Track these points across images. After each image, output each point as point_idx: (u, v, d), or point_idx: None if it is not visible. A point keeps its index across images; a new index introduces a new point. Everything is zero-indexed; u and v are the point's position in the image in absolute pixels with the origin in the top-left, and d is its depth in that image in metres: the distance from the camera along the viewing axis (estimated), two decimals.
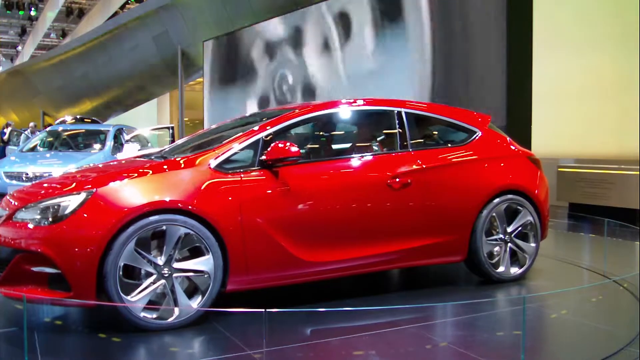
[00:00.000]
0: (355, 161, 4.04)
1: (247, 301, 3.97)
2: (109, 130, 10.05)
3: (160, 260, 3.32)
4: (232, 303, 3.84)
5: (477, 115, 4.70)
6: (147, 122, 21.30)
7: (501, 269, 4.39)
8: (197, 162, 3.57)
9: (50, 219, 3.25)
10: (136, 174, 3.46)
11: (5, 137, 13.82)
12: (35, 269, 3.22)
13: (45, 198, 3.34)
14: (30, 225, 3.27)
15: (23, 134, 13.95)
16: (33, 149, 9.86)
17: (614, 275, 4.64)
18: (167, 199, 3.33)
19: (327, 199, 3.81)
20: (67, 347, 3.27)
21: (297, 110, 4.05)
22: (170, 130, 10.53)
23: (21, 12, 29.29)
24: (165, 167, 3.56)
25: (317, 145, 4.50)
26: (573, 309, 3.99)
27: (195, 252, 3.43)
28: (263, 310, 2.87)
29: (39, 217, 3.28)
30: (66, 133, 10.56)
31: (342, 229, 3.87)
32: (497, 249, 4.38)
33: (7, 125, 14.65)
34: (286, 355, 3.01)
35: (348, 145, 4.54)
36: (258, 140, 3.74)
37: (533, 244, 4.52)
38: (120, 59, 20.12)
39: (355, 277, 4.52)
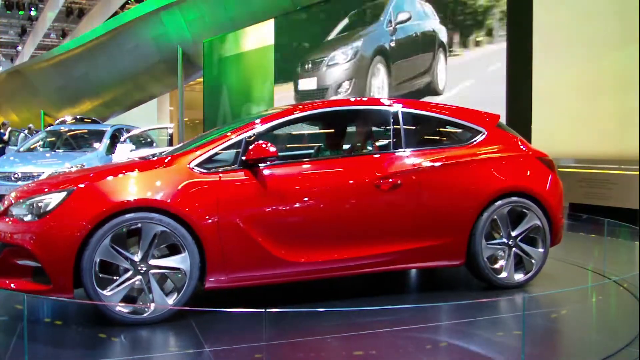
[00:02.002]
0: (342, 161, 4.02)
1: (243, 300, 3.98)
2: (106, 130, 10.03)
3: (137, 257, 3.41)
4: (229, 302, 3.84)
5: (484, 115, 4.55)
6: (147, 122, 21.28)
7: (504, 274, 4.19)
8: (177, 161, 3.65)
9: (34, 215, 3.41)
10: (116, 174, 3.60)
11: (5, 137, 13.81)
12: (20, 262, 3.39)
13: (33, 195, 3.51)
14: (18, 221, 3.45)
15: (21, 134, 13.95)
16: (31, 149, 9.86)
17: (614, 275, 4.64)
18: (141, 198, 3.43)
19: (309, 199, 3.78)
20: (37, 337, 3.35)
21: (284, 111, 4.06)
22: (169, 130, 10.51)
23: (21, 12, 29.28)
24: (146, 167, 3.67)
25: (303, 146, 4.49)
26: (573, 309, 3.99)
27: (174, 250, 3.50)
28: (263, 310, 2.88)
29: (25, 213, 3.44)
30: (66, 133, 10.55)
31: (326, 230, 3.83)
32: (500, 253, 4.21)
33: (4, 124, 14.64)
34: (237, 353, 3.04)
35: (337, 145, 4.51)
36: (241, 141, 3.76)
37: (541, 250, 4.29)
38: (120, 59, 20.14)
39: (357, 278, 4.51)
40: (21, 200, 3.51)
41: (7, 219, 3.50)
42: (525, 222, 4.25)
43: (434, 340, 3.37)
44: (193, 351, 3.10)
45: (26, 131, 14.68)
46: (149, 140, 10.98)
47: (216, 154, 3.71)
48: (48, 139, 10.23)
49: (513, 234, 4.22)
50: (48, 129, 11.35)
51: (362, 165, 4.00)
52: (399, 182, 3.95)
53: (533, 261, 4.27)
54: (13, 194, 3.72)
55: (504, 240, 4.20)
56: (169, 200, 3.45)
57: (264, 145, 3.63)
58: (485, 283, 4.24)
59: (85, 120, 15.80)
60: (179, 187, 3.51)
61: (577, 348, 3.35)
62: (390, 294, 4.32)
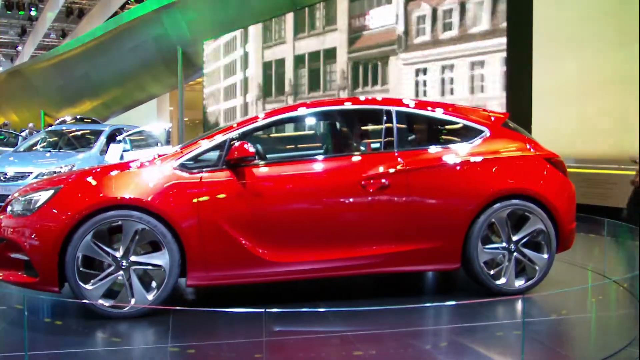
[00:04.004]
0: (327, 162, 3.99)
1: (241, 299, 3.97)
2: (103, 131, 9.99)
3: (118, 253, 3.54)
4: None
5: (488, 114, 4.39)
6: (147, 122, 21.26)
7: (502, 280, 4.02)
8: (160, 162, 3.76)
9: (26, 211, 3.62)
10: (101, 173, 3.83)
11: None
12: (13, 255, 3.60)
13: (27, 192, 3.73)
14: (12, 216, 3.67)
15: (20, 136, 13.94)
16: (30, 149, 9.85)
17: (614, 275, 4.64)
18: (121, 196, 3.56)
19: (292, 200, 3.80)
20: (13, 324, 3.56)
21: (268, 113, 4.10)
22: (167, 129, 10.44)
23: (21, 12, 29.25)
24: (130, 166, 3.85)
25: (290, 146, 4.51)
26: (573, 309, 3.98)
27: (156, 247, 3.60)
28: (263, 310, 2.89)
29: (20, 209, 3.66)
30: (65, 134, 10.53)
31: (308, 230, 3.81)
32: (500, 258, 4.04)
33: (5, 125, 14.65)
34: (200, 351, 3.12)
35: (324, 145, 4.50)
36: (225, 141, 3.83)
37: (545, 256, 4.09)
38: (120, 59, 20.13)
39: (358, 279, 4.50)
40: (19, 197, 3.73)
41: (5, 215, 3.72)
42: (528, 226, 4.07)
43: (434, 340, 3.37)
44: (155, 346, 3.24)
45: (26, 131, 14.69)
46: (152, 140, 10.87)
47: (200, 154, 3.80)
48: (47, 139, 10.22)
49: (514, 238, 4.05)
50: (48, 129, 11.33)
51: (348, 165, 3.96)
52: (386, 182, 3.88)
53: (536, 267, 4.09)
54: (17, 193, 3.89)
55: (504, 244, 4.04)
56: (149, 199, 3.57)
57: (245, 146, 3.69)
58: (483, 289, 4.07)
59: (85, 120, 15.80)
60: (160, 186, 3.63)
61: (577, 348, 3.35)
62: (392, 295, 4.32)
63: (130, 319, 3.54)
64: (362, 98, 4.42)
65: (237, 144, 3.72)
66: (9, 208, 3.74)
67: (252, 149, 3.68)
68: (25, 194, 3.73)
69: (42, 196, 3.61)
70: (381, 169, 3.91)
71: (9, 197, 3.92)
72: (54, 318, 3.74)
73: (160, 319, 3.55)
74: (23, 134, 14.03)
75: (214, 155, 3.81)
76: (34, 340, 3.20)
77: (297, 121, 4.36)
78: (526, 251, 4.08)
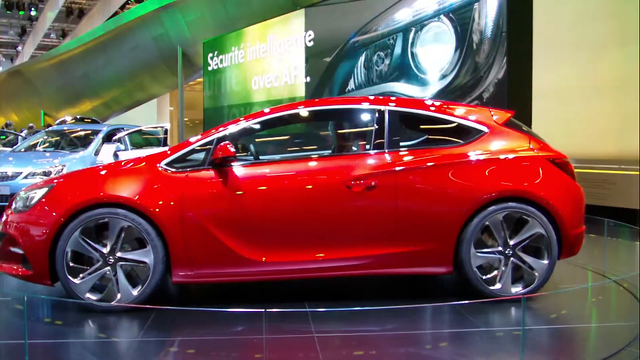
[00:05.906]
0: (313, 162, 3.98)
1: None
2: (100, 131, 9.97)
3: (105, 249, 3.67)
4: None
5: (490, 113, 4.23)
6: (147, 122, 21.27)
7: (497, 286, 3.89)
8: (147, 161, 3.91)
9: (24, 208, 3.80)
10: (91, 173, 4.08)
11: None
12: (12, 249, 3.78)
13: (28, 190, 3.90)
14: (13, 212, 3.86)
15: (20, 136, 13.95)
16: (29, 148, 9.85)
17: (614, 275, 4.64)
18: (106, 194, 3.70)
19: (276, 200, 3.81)
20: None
21: (256, 113, 4.14)
22: (165, 129, 10.42)
23: (21, 12, 29.32)
24: (119, 165, 4.06)
25: (278, 146, 4.55)
26: (573, 309, 3.98)
27: (143, 244, 3.71)
28: (263, 310, 2.89)
29: (20, 205, 3.85)
30: (64, 134, 10.52)
31: (293, 230, 3.81)
32: (496, 262, 3.92)
33: (8, 125, 14.66)
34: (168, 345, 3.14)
35: (312, 146, 4.54)
36: (212, 141, 3.89)
37: (545, 261, 3.93)
38: (120, 59, 20.15)
39: (360, 280, 4.50)
40: (22, 195, 3.91)
41: (9, 211, 3.91)
42: (526, 230, 3.93)
43: (434, 340, 3.37)
44: (123, 340, 3.34)
45: (26, 131, 14.71)
46: (152, 140, 10.83)
47: (187, 154, 3.89)
48: (46, 139, 10.22)
49: (511, 242, 3.91)
50: (47, 129, 11.33)
51: (335, 166, 3.92)
52: (372, 183, 3.82)
53: (535, 273, 3.93)
54: (22, 191, 4.04)
55: (499, 248, 3.91)
56: (133, 197, 3.68)
57: (228, 146, 3.75)
58: (478, 294, 3.89)
59: (85, 120, 15.82)
60: (145, 185, 3.75)
61: (577, 348, 3.35)
62: (394, 296, 4.32)
63: (120, 313, 3.68)
64: (354, 97, 4.41)
65: (221, 144, 3.78)
66: (13, 205, 3.92)
67: (232, 149, 3.75)
68: (26, 191, 3.90)
69: (38, 194, 3.79)
70: (367, 170, 3.86)
71: (15, 194, 4.11)
72: (51, 312, 3.82)
73: (144, 314, 3.63)
74: (23, 133, 14.05)
75: (201, 155, 3.89)
76: (33, 329, 3.36)
77: (288, 121, 4.35)
78: (524, 256, 3.94)
